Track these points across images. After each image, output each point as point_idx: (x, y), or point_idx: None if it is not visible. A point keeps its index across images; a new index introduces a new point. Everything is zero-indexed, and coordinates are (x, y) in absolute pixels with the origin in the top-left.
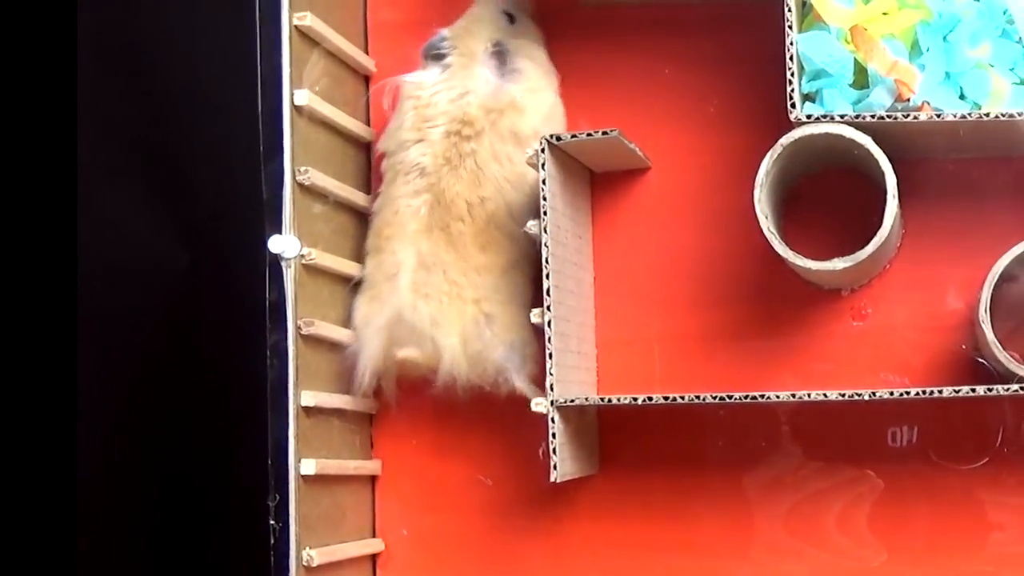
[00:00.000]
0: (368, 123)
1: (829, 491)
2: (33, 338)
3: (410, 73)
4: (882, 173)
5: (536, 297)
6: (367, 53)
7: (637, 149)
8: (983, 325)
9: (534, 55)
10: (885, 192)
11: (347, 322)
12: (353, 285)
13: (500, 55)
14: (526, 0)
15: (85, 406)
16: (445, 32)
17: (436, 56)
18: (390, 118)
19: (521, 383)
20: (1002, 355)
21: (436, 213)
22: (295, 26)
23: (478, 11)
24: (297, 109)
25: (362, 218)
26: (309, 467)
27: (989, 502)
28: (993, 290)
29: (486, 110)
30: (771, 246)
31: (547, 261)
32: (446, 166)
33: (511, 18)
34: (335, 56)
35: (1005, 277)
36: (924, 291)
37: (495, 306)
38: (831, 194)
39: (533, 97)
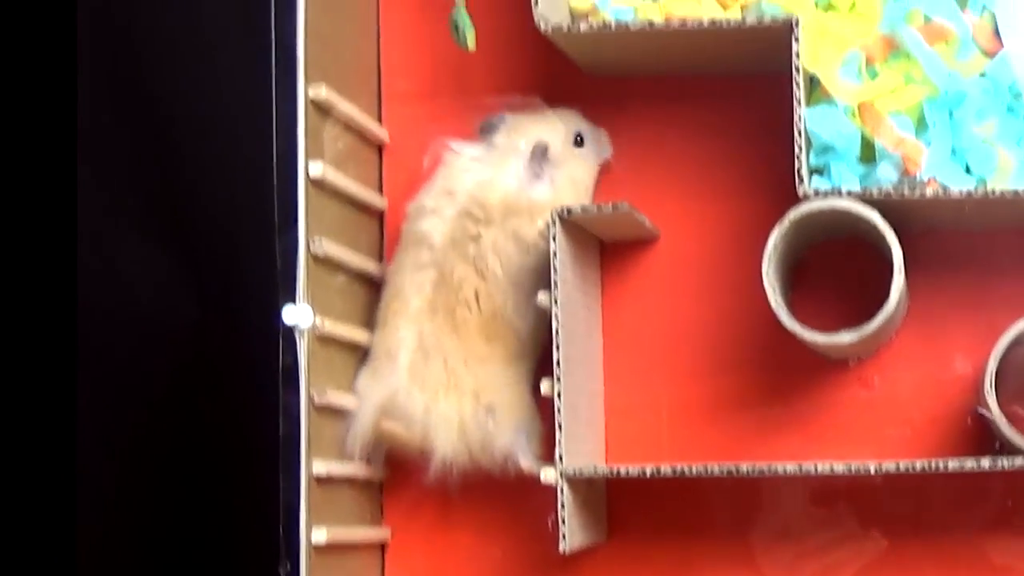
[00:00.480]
0: (381, 192)
1: (839, 556)
2: (33, 392)
3: (458, 142)
4: (889, 247)
5: (542, 376)
6: (380, 123)
7: (646, 220)
8: (988, 399)
9: (576, 177)
10: (891, 263)
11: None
12: (364, 354)
13: (540, 157)
14: (607, 140)
15: (86, 467)
16: (507, 116)
17: (487, 131)
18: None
19: (528, 463)
20: (1008, 430)
21: (440, 293)
22: (310, 99)
23: (550, 115)
24: (312, 181)
25: (374, 286)
26: (320, 536)
27: (1000, 565)
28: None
29: (503, 203)
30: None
31: (557, 333)
32: (452, 246)
33: (579, 140)
34: (349, 126)
35: (1015, 342)
36: (931, 361)
37: (496, 395)
38: (838, 264)
39: (549, 211)
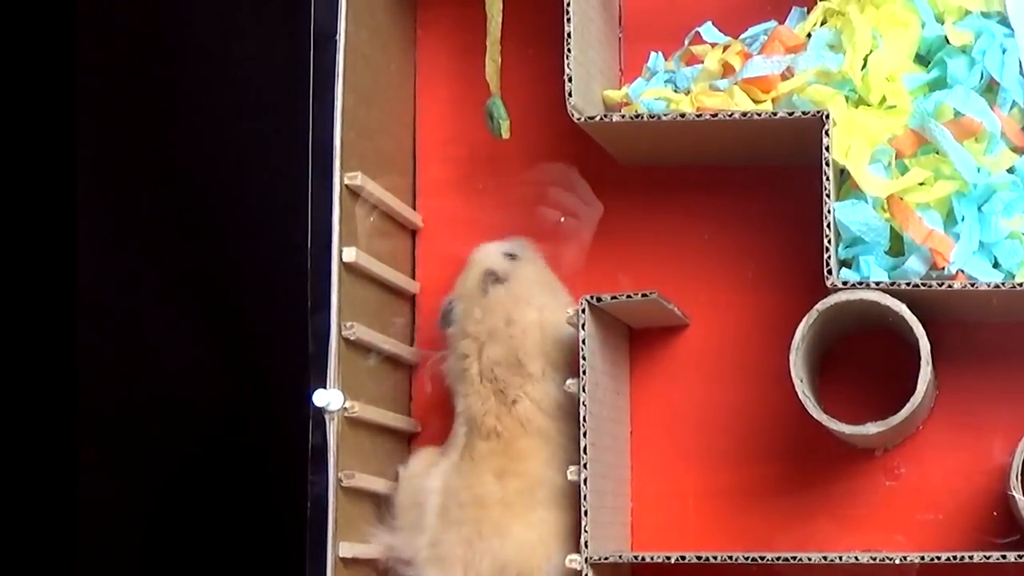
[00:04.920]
0: (414, 276)
1: None
2: (37, 462)
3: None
4: (916, 339)
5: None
6: (415, 208)
7: (676, 308)
8: (1014, 494)
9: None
10: (919, 355)
11: (386, 472)
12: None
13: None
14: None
15: (95, 540)
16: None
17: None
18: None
19: None
20: None
21: (471, 439)
22: (345, 184)
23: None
24: (345, 266)
25: (406, 370)
26: None
27: None
28: None
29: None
30: None
31: (585, 419)
32: (473, 387)
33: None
34: (383, 212)
35: None
36: (957, 452)
37: (512, 552)
38: (866, 356)
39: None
